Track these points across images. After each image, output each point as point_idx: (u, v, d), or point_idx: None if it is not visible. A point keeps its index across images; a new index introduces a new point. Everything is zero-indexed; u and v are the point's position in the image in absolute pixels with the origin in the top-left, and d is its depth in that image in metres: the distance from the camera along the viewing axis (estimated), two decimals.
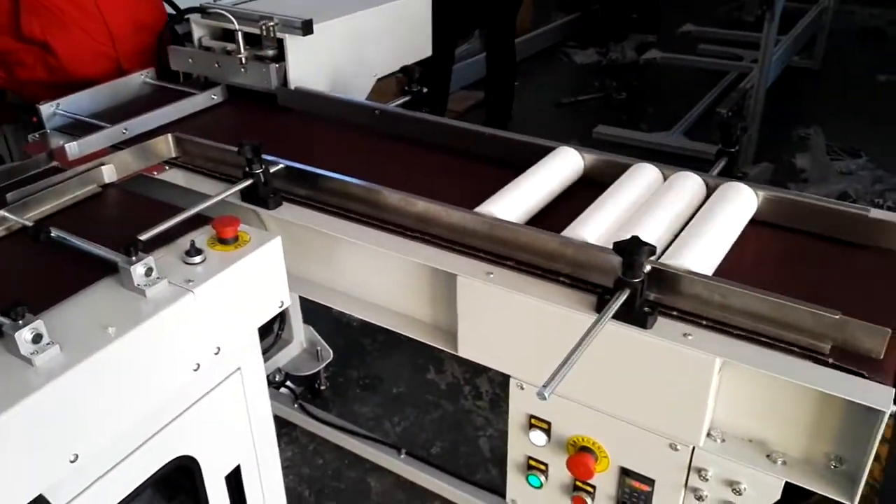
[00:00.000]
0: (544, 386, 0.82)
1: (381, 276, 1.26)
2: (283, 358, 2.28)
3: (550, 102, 4.60)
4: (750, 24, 5.20)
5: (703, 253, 1.04)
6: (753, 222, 1.18)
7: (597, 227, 1.13)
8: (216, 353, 1.06)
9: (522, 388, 1.14)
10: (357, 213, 1.24)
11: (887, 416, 0.84)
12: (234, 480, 1.24)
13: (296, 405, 2.14)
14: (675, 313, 1.00)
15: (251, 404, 1.21)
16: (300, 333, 2.30)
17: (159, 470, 1.06)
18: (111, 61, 1.85)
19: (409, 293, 1.24)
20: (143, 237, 1.04)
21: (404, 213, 1.20)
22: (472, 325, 1.13)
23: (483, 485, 1.90)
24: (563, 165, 1.31)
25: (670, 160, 1.32)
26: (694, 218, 1.14)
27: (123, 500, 1.01)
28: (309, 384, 2.34)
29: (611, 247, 0.97)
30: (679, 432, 1.02)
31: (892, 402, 0.84)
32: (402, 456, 1.97)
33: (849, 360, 0.91)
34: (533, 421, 1.16)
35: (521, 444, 1.20)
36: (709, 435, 1.01)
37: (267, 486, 1.41)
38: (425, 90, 1.69)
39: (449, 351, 1.20)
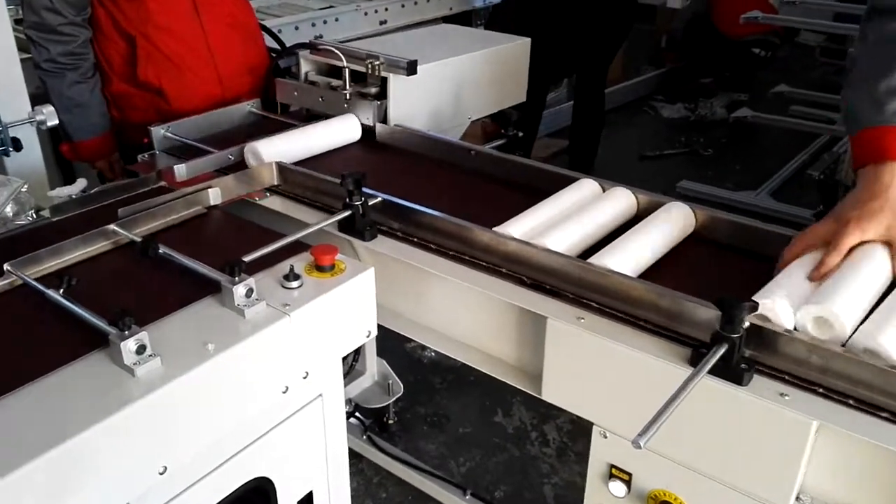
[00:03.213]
0: (640, 435, 0.81)
1: (466, 313, 1.27)
2: (355, 389, 2.30)
3: (634, 155, 4.58)
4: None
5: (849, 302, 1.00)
6: None
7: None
8: (304, 378, 1.09)
9: (606, 437, 1.12)
10: (447, 248, 1.27)
11: None
12: None
13: (364, 437, 2.16)
14: (770, 371, 0.97)
15: (329, 431, 1.23)
16: (373, 366, 2.33)
17: (238, 488, 1.08)
18: (217, 101, 1.95)
19: (494, 332, 1.25)
20: (246, 259, 1.09)
21: (495, 251, 1.22)
22: (558, 369, 1.13)
23: None
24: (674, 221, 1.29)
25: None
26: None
27: None
28: (377, 417, 2.36)
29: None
30: (767, 494, 0.98)
31: None
32: (468, 497, 1.95)
33: None
34: (613, 471, 1.13)
35: (599, 494, 1.17)
36: (798, 499, 0.97)
37: None
38: (521, 134, 1.72)
39: (532, 393, 1.19)
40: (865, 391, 0.92)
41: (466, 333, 1.30)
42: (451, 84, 1.84)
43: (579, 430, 2.33)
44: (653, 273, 1.20)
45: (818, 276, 1.05)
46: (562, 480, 2.17)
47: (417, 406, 2.47)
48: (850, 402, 0.93)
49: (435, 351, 2.72)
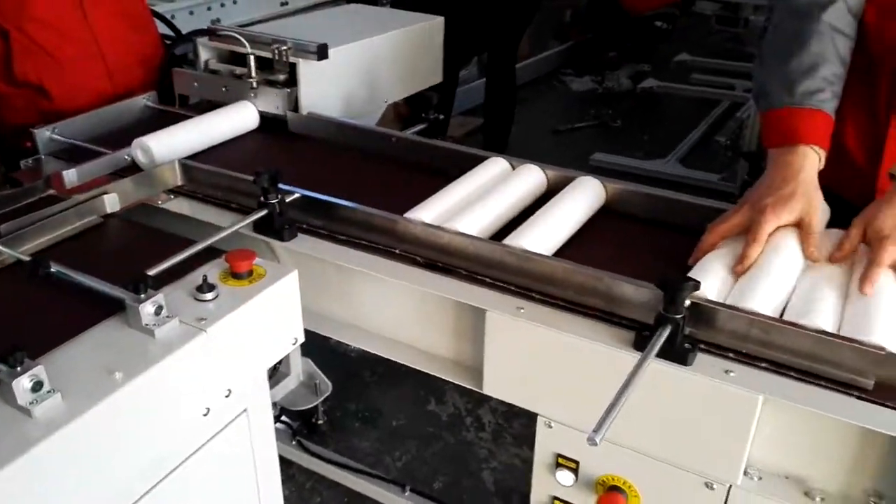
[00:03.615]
0: (595, 431, 0.77)
1: (400, 311, 1.21)
2: (280, 392, 2.20)
3: (547, 129, 4.62)
4: (743, 55, 5.26)
5: (768, 295, 1.00)
6: None
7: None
8: (227, 396, 1.00)
9: (551, 427, 1.09)
10: (374, 243, 1.20)
11: None
12: None
13: (294, 442, 2.07)
14: (714, 350, 0.96)
15: (257, 447, 1.14)
16: (298, 366, 2.23)
17: None
18: (107, 98, 1.78)
19: (430, 328, 1.19)
20: (152, 272, 0.98)
21: (428, 244, 1.16)
22: (499, 362, 1.09)
23: None
24: (585, 195, 1.28)
25: (667, 187, 1.31)
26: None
27: None
28: (305, 419, 2.27)
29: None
30: (716, 471, 0.98)
31: None
32: (407, 493, 1.90)
33: (891, 394, 0.88)
34: (560, 460, 1.11)
35: (547, 484, 1.15)
36: (746, 473, 0.97)
37: None
38: (441, 117, 1.66)
39: (473, 388, 1.15)
40: (807, 361, 0.92)
41: (401, 331, 1.24)
42: (364, 67, 1.75)
43: (514, 412, 2.32)
44: (567, 250, 1.18)
45: (742, 269, 1.04)
46: (500, 464, 2.16)
47: (347, 403, 2.40)
48: (793, 373, 0.92)
49: None
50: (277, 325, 1.05)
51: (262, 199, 1.18)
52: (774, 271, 1.02)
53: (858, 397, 0.89)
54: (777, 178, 1.08)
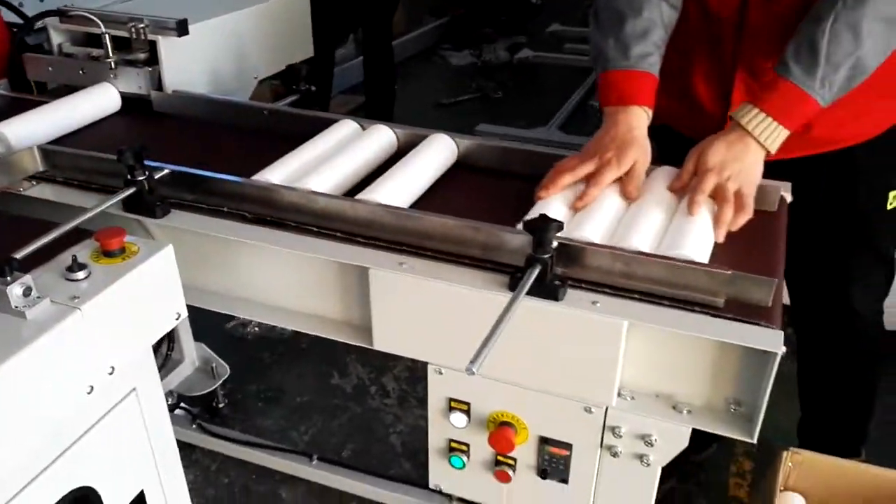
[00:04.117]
0: (471, 362, 0.82)
1: (285, 278, 1.22)
2: (175, 379, 2.15)
3: (430, 104, 4.66)
4: None
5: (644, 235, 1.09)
6: None
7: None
8: (110, 374, 0.99)
9: (441, 374, 1.15)
10: (253, 214, 1.20)
11: (779, 356, 0.91)
12: None
13: (193, 426, 2.04)
14: (582, 285, 1.03)
15: (150, 425, 1.13)
16: (191, 352, 2.19)
17: None
18: None
19: (316, 292, 1.21)
20: (18, 255, 0.95)
21: (305, 210, 1.17)
22: (386, 318, 1.12)
23: (399, 478, 1.88)
24: (438, 151, 1.35)
25: None
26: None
27: None
28: (206, 404, 2.23)
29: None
30: (593, 395, 1.06)
31: (781, 343, 0.91)
32: (314, 462, 1.91)
33: (741, 310, 0.97)
34: (453, 404, 1.16)
35: (442, 428, 1.20)
36: (620, 395, 1.06)
37: None
38: (313, 88, 1.66)
39: (364, 346, 1.18)
40: (665, 288, 1.01)
41: (288, 299, 1.25)
42: (229, 42, 1.72)
43: (417, 376, 2.37)
44: (423, 203, 1.24)
45: (582, 205, 1.15)
46: (407, 427, 2.20)
47: (248, 385, 2.38)
48: (654, 299, 1.01)
49: (259, 325, 2.64)
50: (156, 300, 1.04)
51: (128, 176, 1.16)
52: (606, 204, 1.15)
53: (712, 315, 0.98)
54: (617, 133, 1.18)
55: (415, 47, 5.46)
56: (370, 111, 4.00)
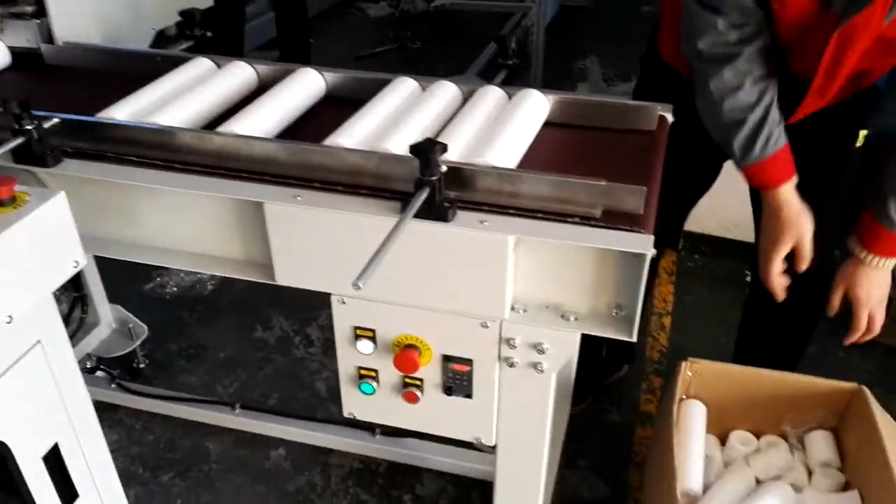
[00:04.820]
0: (357, 279, 0.87)
1: (185, 221, 1.23)
2: (93, 342, 2.15)
3: (349, 57, 4.61)
4: None
5: (502, 152, 1.15)
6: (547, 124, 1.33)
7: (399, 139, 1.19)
8: (9, 322, 0.99)
9: (344, 303, 1.19)
10: (149, 159, 1.20)
11: (649, 257, 0.99)
12: (54, 461, 1.17)
13: (113, 385, 2.03)
14: (472, 206, 1.09)
15: (59, 377, 1.14)
16: (107, 314, 2.18)
17: None
18: None
19: (217, 233, 1.23)
20: None
21: (201, 151, 1.18)
22: (285, 252, 1.16)
23: (324, 418, 1.94)
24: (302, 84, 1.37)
25: None
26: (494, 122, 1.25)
27: None
28: (126, 365, 2.22)
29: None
30: (487, 311, 1.12)
31: (651, 246, 1.00)
32: (237, 411, 1.95)
33: (617, 219, 1.05)
34: (358, 332, 1.21)
35: (351, 356, 1.25)
36: (513, 309, 1.13)
37: (93, 462, 1.35)
38: (209, 34, 1.64)
39: (267, 282, 1.21)
40: (548, 203, 1.07)
41: (189, 242, 1.26)
42: None
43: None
44: (290, 134, 1.27)
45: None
46: (332, 372, 2.25)
47: (169, 344, 2.37)
48: (538, 215, 1.07)
49: (177, 285, 2.62)
50: (51, 248, 1.04)
51: (15, 126, 1.14)
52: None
53: (590, 225, 1.05)
54: (770, 222, 1.42)
55: (332, 0, 5.37)
56: None
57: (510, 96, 1.35)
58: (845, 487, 1.64)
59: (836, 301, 1.48)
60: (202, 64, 1.41)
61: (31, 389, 1.09)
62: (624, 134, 1.31)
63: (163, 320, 2.43)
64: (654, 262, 1.94)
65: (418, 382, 1.23)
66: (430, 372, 1.21)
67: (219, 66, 1.42)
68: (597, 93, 4.08)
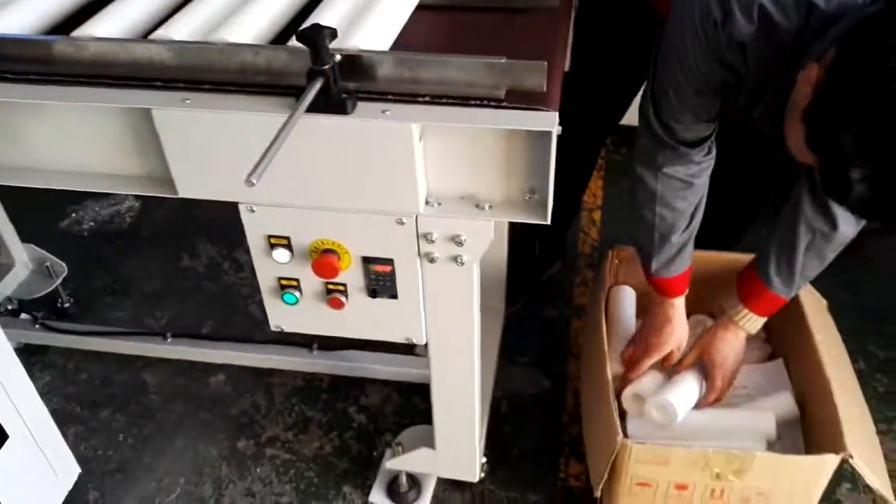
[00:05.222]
0: (249, 174, 0.82)
1: (74, 139, 1.15)
2: (10, 284, 2.06)
3: None
4: None
5: (375, 34, 1.09)
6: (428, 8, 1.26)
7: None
8: None
9: (253, 211, 1.14)
10: (23, 74, 1.10)
11: (555, 134, 0.97)
12: None
13: (37, 325, 1.96)
14: (373, 96, 1.04)
15: None
16: (21, 255, 2.08)
17: None
18: None
19: (109, 148, 1.15)
20: None
21: (77, 60, 1.09)
22: (183, 161, 1.09)
23: (261, 340, 1.92)
24: None
25: None
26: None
27: None
28: (50, 306, 2.15)
29: None
30: (400, 206, 1.09)
31: (556, 123, 0.97)
32: (169, 339, 1.91)
33: (521, 99, 1.01)
34: (272, 240, 1.17)
35: (268, 267, 1.22)
36: (427, 203, 1.10)
37: (19, 403, 1.32)
38: None
39: (169, 196, 1.15)
40: (453, 87, 1.02)
41: (83, 161, 1.18)
42: None
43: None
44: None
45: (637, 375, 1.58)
46: None
47: (93, 281, 2.29)
48: (442, 100, 1.02)
49: (94, 220, 2.52)
50: None
51: None
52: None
53: (496, 107, 1.01)
54: (656, 326, 1.56)
55: None
56: None
57: None
58: (771, 357, 1.72)
59: (688, 361, 1.56)
60: None
61: None
62: (526, 13, 1.25)
63: (83, 258, 2.34)
64: (593, 151, 1.94)
65: (341, 287, 1.21)
66: (352, 276, 1.19)
67: None
68: None
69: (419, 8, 1.24)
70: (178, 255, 2.38)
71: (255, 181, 0.82)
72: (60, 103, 1.07)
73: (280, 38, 1.18)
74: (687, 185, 1.35)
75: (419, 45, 1.14)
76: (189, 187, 1.13)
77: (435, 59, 1.03)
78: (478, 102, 1.02)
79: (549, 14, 1.25)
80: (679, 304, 1.53)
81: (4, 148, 1.18)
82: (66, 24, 1.19)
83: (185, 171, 1.11)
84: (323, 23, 1.10)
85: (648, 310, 1.58)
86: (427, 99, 1.03)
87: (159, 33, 1.11)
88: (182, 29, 1.12)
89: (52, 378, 1.98)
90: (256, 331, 2.09)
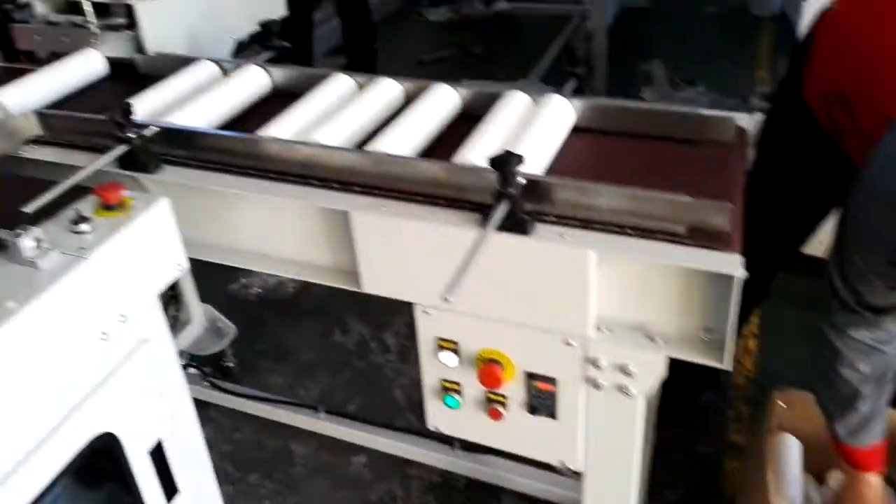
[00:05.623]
0: (446, 291, 0.88)
1: (274, 227, 1.28)
2: (185, 340, 2.23)
3: (411, 62, 4.65)
4: None
5: (533, 154, 1.15)
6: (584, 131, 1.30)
7: (480, 151, 1.19)
8: (122, 321, 1.05)
9: (428, 314, 1.20)
10: (241, 167, 1.25)
11: (739, 279, 0.96)
12: (158, 456, 1.22)
13: (205, 382, 2.12)
14: (550, 219, 1.08)
15: (164, 374, 1.21)
16: (199, 313, 2.26)
17: (81, 451, 1.03)
18: None
19: (305, 240, 1.27)
20: (27, 209, 1.01)
21: (288, 160, 1.23)
22: (371, 260, 1.18)
23: (405, 428, 1.96)
24: (440, 101, 1.38)
25: None
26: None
27: (45, 490, 0.97)
28: (216, 363, 2.31)
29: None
30: (570, 328, 1.11)
31: (741, 266, 0.96)
32: (322, 414, 1.99)
33: (702, 237, 1.02)
34: (441, 343, 1.22)
35: (434, 368, 1.26)
36: (599, 328, 1.11)
37: (192, 459, 1.40)
38: (287, 45, 1.69)
39: (353, 289, 1.24)
40: (631, 218, 1.05)
41: (279, 247, 1.30)
42: (205, 3, 1.77)
43: (415, 331, 2.43)
44: (432, 152, 1.27)
45: None
46: (409, 380, 2.27)
47: (255, 343, 2.45)
48: (619, 230, 1.05)
49: (261, 286, 2.71)
50: (157, 250, 1.10)
51: (119, 134, 1.21)
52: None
53: (675, 243, 1.02)
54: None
55: (392, 5, 5.43)
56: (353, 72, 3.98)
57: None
58: None
59: None
60: (345, 82, 1.46)
61: (138, 384, 1.14)
62: (697, 145, 1.26)
63: (247, 321, 2.51)
64: (765, 283, 1.86)
65: (502, 399, 1.22)
66: (513, 389, 1.21)
67: (359, 84, 1.46)
68: (664, 98, 3.96)
69: (575, 130, 1.30)
70: (332, 329, 2.50)
71: (450, 299, 0.88)
72: (278, 198, 1.19)
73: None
74: (872, 350, 1.24)
75: (575, 169, 1.18)
76: (372, 283, 1.21)
77: (615, 190, 1.06)
78: (657, 236, 1.04)
79: (722, 148, 1.24)
80: (876, 484, 1.36)
81: (210, 228, 1.33)
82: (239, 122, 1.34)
83: (372, 268, 1.19)
84: (482, 141, 1.19)
85: (844, 485, 1.43)
86: (603, 226, 1.06)
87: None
88: (344, 135, 1.24)
89: (211, 434, 2.12)
90: (399, 416, 2.13)
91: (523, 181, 1.04)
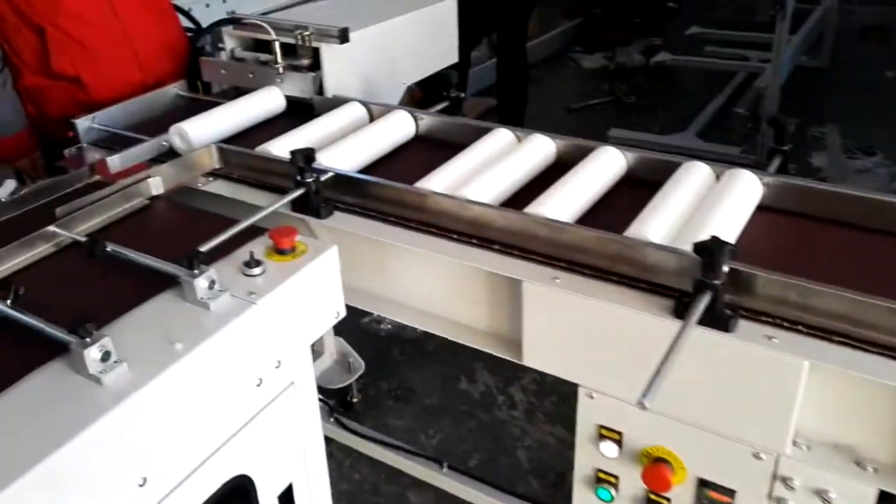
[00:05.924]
0: (643, 395, 0.79)
1: (435, 284, 1.23)
2: (316, 371, 2.24)
3: (561, 107, 4.61)
4: (754, 25, 5.18)
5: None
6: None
7: (658, 227, 1.10)
8: (277, 367, 1.04)
9: (592, 398, 1.11)
10: (408, 219, 1.22)
11: None
12: (286, 499, 1.20)
13: (331, 419, 2.11)
14: (751, 314, 0.96)
15: (304, 420, 1.18)
16: (331, 345, 2.27)
17: (218, 490, 1.02)
18: (139, 87, 1.83)
19: (465, 301, 1.21)
20: (203, 249, 1.01)
21: (458, 217, 1.18)
22: (537, 333, 1.10)
23: (528, 497, 1.86)
24: (606, 164, 1.30)
25: None
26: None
27: None
28: (341, 397, 2.31)
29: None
30: (763, 440, 0.98)
31: None
32: (445, 469, 1.93)
33: None
34: (603, 431, 1.12)
35: (590, 456, 1.16)
36: (794, 443, 0.97)
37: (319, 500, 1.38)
38: (462, 95, 1.67)
39: (512, 360, 1.16)
40: (846, 324, 0.92)
41: (437, 305, 1.25)
42: (383, 49, 1.78)
43: (544, 390, 2.34)
44: (590, 218, 1.19)
45: None
46: (534, 442, 2.17)
47: (380, 381, 2.43)
48: (833, 337, 0.92)
49: (391, 323, 2.70)
50: (321, 298, 1.08)
51: (298, 178, 1.21)
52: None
53: None
54: None
55: (546, 50, 5.42)
56: (502, 114, 3.98)
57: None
58: None
59: None
60: (503, 135, 1.43)
61: (279, 428, 1.12)
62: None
63: (374, 356, 2.50)
64: None
65: (665, 502, 1.11)
66: (681, 494, 1.09)
67: (518, 138, 1.42)
68: (836, 166, 3.68)
69: (758, 208, 1.18)
70: (458, 376, 2.44)
71: (647, 405, 0.78)
72: (444, 257, 1.14)
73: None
74: None
75: (769, 258, 1.07)
76: (535, 358, 1.13)
77: (831, 292, 0.93)
78: (879, 350, 0.90)
79: None
80: None
81: (377, 279, 1.29)
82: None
83: (536, 342, 1.11)
84: (660, 216, 1.09)
85: None
86: (812, 331, 0.93)
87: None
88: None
89: (330, 470, 2.09)
90: (522, 480, 2.04)
91: (727, 270, 0.93)
